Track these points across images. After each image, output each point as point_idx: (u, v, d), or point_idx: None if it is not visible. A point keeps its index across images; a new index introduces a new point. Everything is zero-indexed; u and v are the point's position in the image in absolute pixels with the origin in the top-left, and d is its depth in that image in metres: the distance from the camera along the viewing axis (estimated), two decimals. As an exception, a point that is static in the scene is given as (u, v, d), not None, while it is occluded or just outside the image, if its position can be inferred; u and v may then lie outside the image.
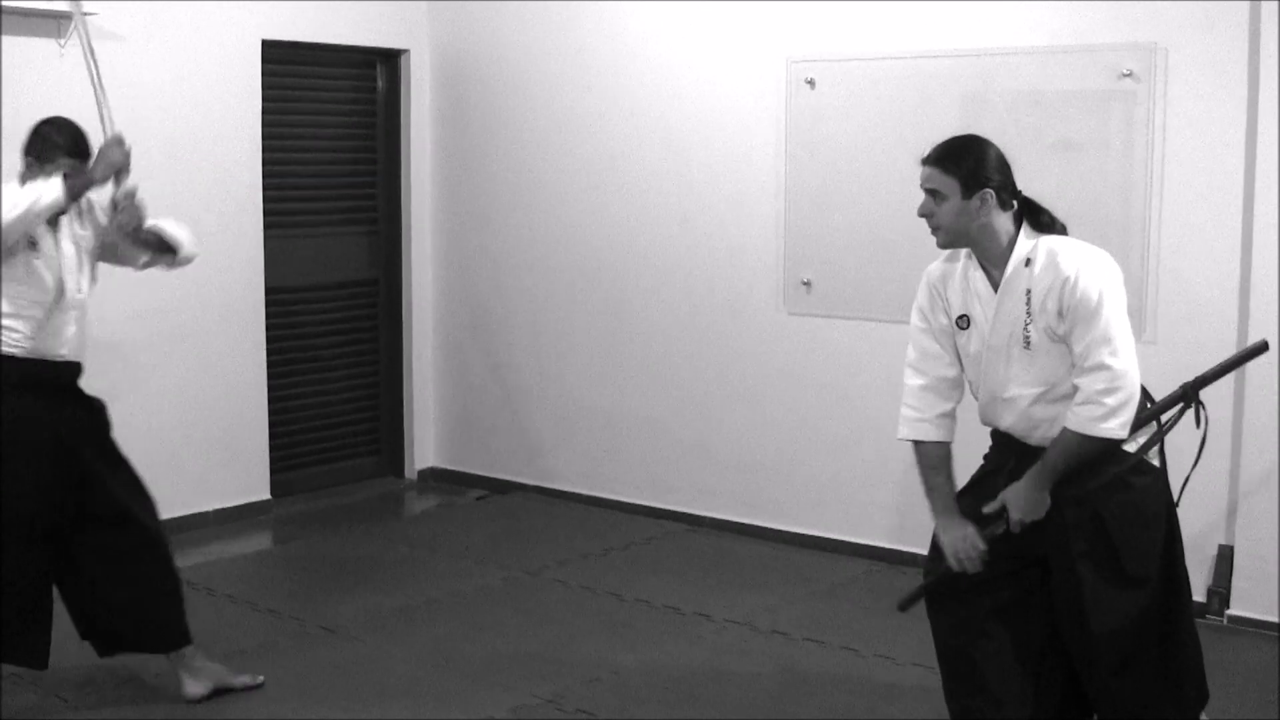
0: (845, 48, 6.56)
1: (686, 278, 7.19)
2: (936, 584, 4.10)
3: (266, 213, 7.41)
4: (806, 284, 6.71)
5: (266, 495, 7.50)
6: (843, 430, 6.64)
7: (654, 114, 7.21)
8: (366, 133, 8.08)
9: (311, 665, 5.31)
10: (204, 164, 7.07)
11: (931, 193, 3.93)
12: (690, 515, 7.24)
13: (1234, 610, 5.72)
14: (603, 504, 7.56)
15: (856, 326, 6.59)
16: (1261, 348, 4.15)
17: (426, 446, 8.31)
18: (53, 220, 4.59)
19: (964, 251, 4.01)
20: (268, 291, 7.45)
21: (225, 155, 7.17)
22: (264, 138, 7.35)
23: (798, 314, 6.78)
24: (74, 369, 4.82)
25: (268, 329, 7.48)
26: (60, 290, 4.65)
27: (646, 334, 7.37)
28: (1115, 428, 3.76)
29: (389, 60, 8.08)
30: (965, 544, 3.95)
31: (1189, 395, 3.99)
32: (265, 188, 7.38)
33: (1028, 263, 3.87)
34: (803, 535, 6.85)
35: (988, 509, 3.96)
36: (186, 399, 7.11)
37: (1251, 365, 5.48)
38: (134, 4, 6.72)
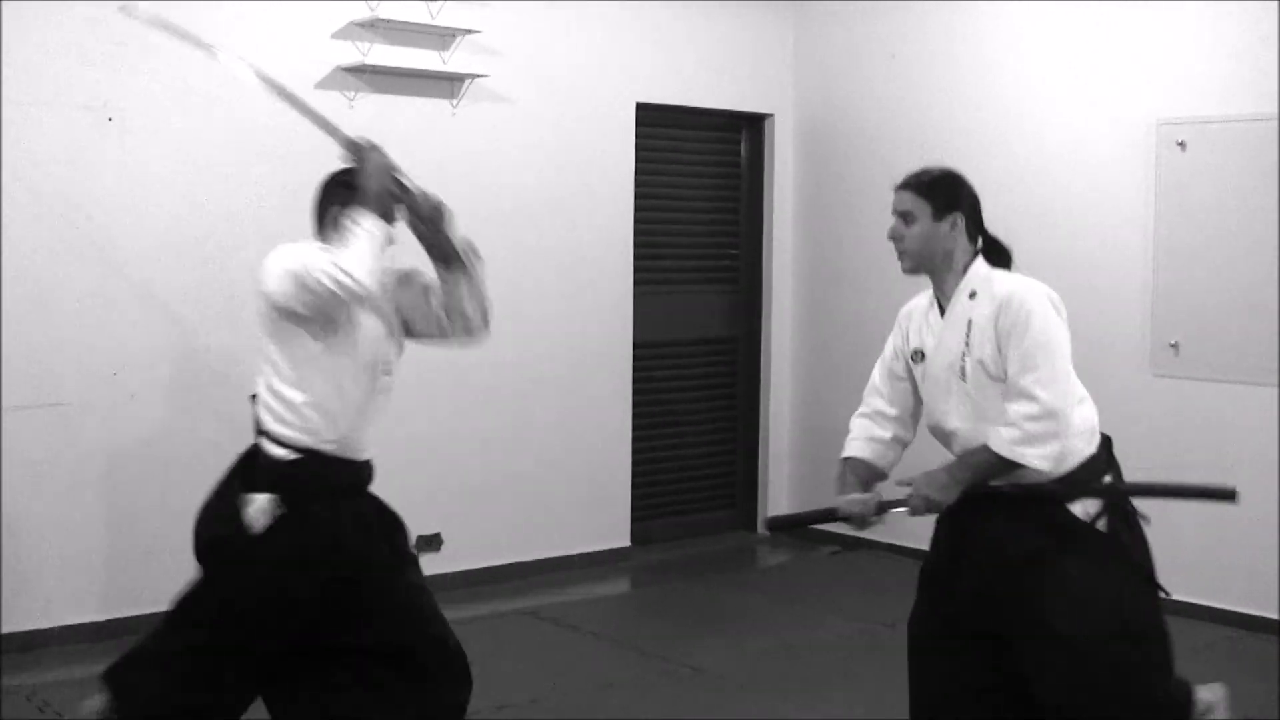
0: (1216, 109, 6.49)
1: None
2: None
3: (636, 269, 7.70)
4: (1174, 346, 6.61)
5: (627, 542, 7.74)
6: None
7: (1019, 175, 7.19)
8: (731, 194, 8.32)
9: (683, 703, 5.47)
10: (582, 220, 7.42)
11: (903, 215, 3.92)
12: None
13: None
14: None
15: (1227, 389, 6.46)
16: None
17: (780, 502, 8.43)
18: None
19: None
20: (635, 345, 7.72)
21: (601, 212, 7.51)
22: (635, 196, 7.66)
23: (1163, 376, 6.69)
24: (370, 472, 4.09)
25: (634, 381, 7.74)
26: (374, 371, 3.93)
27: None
28: (1033, 456, 3.64)
29: (753, 124, 8.31)
30: (860, 504, 3.97)
31: (1114, 496, 3.81)
32: (635, 244, 7.68)
33: (972, 295, 3.84)
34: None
35: (899, 483, 3.89)
36: (557, 445, 7.41)
37: None
38: (524, 69, 7.13)
